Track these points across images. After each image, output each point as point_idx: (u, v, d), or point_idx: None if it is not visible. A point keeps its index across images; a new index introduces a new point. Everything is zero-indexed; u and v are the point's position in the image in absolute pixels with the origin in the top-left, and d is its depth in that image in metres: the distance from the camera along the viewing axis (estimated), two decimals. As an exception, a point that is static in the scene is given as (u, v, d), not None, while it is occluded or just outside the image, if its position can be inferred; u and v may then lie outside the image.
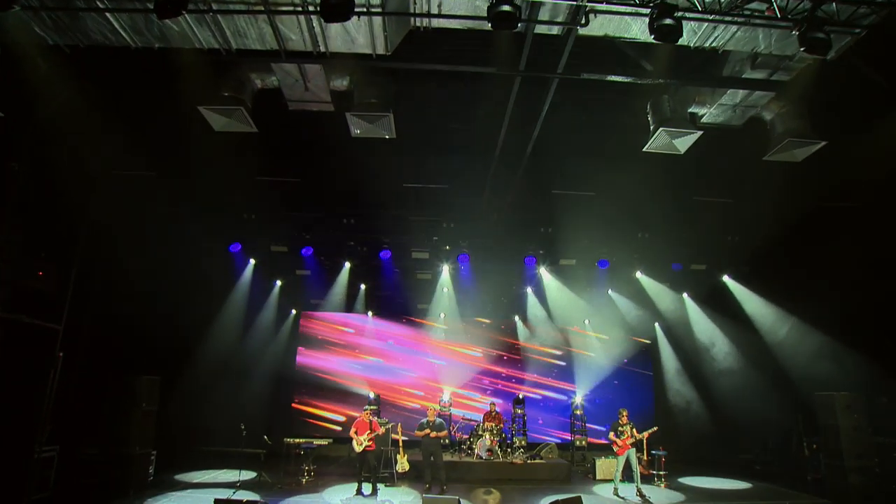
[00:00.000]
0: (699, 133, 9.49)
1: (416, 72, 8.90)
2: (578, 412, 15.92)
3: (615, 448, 11.61)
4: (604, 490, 11.99)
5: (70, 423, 9.68)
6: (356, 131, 9.24)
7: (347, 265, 14.28)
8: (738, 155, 10.87)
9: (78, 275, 9.90)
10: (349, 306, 16.16)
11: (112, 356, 11.06)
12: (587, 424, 15.76)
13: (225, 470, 12.47)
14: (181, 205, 11.64)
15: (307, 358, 17.21)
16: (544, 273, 14.48)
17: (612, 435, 11.71)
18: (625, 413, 11.85)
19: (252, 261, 13.81)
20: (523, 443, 14.40)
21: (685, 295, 15.66)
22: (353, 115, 8.79)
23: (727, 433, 15.80)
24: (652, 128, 9.73)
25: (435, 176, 12.01)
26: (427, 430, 11.47)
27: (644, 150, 9.94)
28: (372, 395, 15.70)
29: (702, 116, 10.02)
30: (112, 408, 10.32)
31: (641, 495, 11.22)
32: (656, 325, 17.19)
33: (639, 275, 14.78)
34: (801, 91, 8.90)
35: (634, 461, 11.56)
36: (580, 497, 7.56)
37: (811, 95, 8.98)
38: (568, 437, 16.20)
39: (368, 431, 11.38)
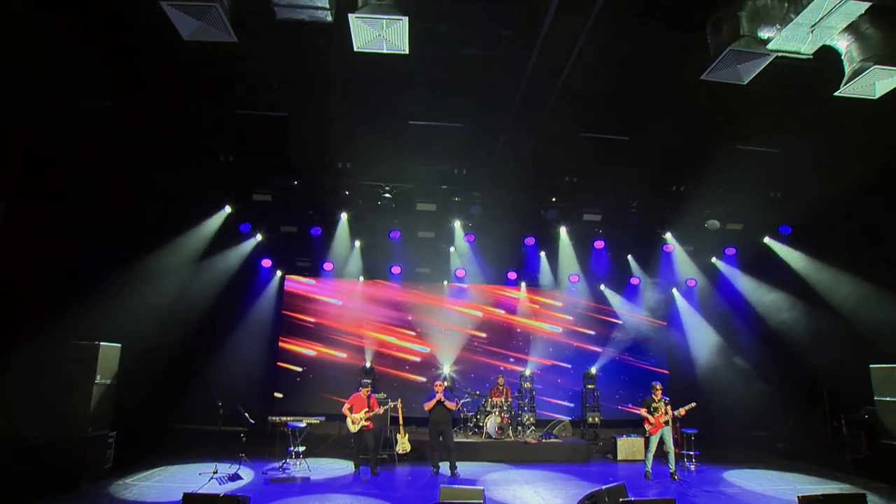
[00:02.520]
0: (770, 57, 8.03)
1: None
2: (591, 386, 14.65)
3: (647, 427, 10.40)
4: (633, 473, 10.72)
5: (4, 400, 7.94)
6: (360, 43, 7.47)
7: (344, 217, 12.44)
8: (794, 98, 9.55)
9: (15, 225, 8.11)
10: (342, 269, 14.49)
11: (62, 321, 9.29)
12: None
13: (199, 454, 11.03)
14: (144, 143, 9.79)
15: (293, 327, 15.75)
16: (563, 231, 12.88)
17: (644, 412, 10.51)
18: (659, 388, 10.54)
19: (227, 208, 11.84)
20: (532, 420, 13.07)
21: (714, 259, 14.28)
22: (358, 19, 7.00)
23: (739, 409, 14.75)
24: (713, 52, 8.26)
25: (446, 113, 10.27)
26: (439, 395, 10.22)
27: (703, 77, 8.55)
28: (368, 365, 14.19)
29: (769, 41, 8.56)
30: (61, 381, 8.58)
31: (676, 478, 10.16)
32: (674, 290, 15.90)
33: (668, 236, 13.33)
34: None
35: (670, 441, 10.45)
36: (623, 485, 6.64)
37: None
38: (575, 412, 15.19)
39: (366, 409, 10.05)
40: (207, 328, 13.39)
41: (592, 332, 16.41)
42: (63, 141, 9.10)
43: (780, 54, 8.67)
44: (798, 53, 8.80)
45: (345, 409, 10.22)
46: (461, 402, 12.97)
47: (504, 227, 12.89)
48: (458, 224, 12.53)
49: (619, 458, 12.15)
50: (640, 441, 12.26)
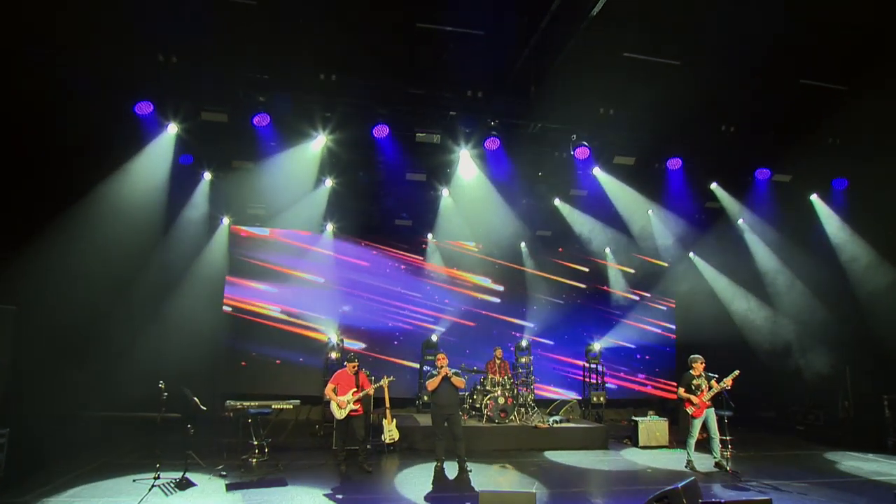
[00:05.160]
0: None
1: None
2: (595, 362, 13.29)
3: (690, 409, 9.12)
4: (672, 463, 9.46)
5: None
6: None
7: (317, 148, 9.93)
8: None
9: None
10: (304, 217, 12.44)
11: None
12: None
13: (132, 454, 8.82)
14: (55, 32, 7.43)
15: (241, 290, 13.62)
16: (598, 171, 11.04)
17: (682, 391, 9.25)
18: (700, 362, 9.13)
19: (173, 128, 9.11)
20: (531, 399, 11.61)
21: (740, 221, 12.98)
22: None
23: (747, 386, 13.70)
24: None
25: (462, 15, 8.19)
26: (444, 371, 8.41)
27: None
28: (334, 340, 12.13)
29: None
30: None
31: (727, 469, 8.87)
32: (691, 254, 14.71)
33: (714, 186, 11.94)
34: None
35: (713, 425, 9.18)
36: (696, 481, 5.87)
37: None
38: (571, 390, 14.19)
39: (354, 389, 8.17)
40: (139, 287, 10.91)
41: (597, 303, 15.35)
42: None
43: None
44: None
45: (328, 391, 8.41)
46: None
47: (509, 168, 10.95)
48: (465, 154, 10.25)
49: (641, 443, 10.83)
50: (663, 424, 11.11)
